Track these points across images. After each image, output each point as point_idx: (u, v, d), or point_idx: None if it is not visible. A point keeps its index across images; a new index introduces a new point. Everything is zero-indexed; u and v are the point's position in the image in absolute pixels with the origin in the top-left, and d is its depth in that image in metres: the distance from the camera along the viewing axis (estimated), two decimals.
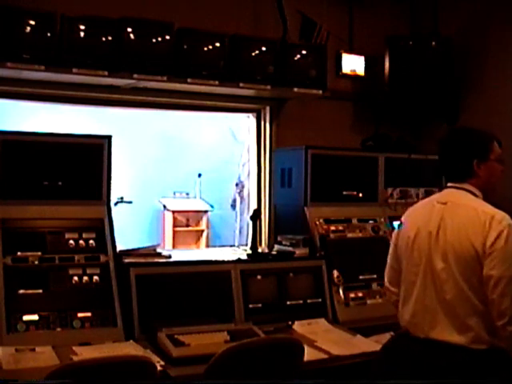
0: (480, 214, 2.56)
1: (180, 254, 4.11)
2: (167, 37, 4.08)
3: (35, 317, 3.22)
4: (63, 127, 4.51)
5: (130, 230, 4.81)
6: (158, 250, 3.93)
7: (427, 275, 2.64)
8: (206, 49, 4.22)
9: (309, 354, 3.08)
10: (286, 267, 3.92)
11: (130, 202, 4.98)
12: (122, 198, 4.86)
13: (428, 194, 4.25)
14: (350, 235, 4.30)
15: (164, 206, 5.27)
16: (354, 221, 4.36)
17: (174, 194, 5.38)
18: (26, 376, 2.79)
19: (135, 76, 4.01)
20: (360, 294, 4.07)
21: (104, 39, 3.89)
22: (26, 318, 3.19)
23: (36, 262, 3.35)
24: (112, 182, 3.71)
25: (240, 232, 5.31)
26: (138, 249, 3.84)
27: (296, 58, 4.57)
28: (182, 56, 4.13)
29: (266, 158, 4.97)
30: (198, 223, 5.30)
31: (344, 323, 3.85)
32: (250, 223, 4.31)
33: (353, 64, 5.24)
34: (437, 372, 2.54)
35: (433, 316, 2.61)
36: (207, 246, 5.22)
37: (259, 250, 4.20)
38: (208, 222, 5.30)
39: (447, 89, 5.03)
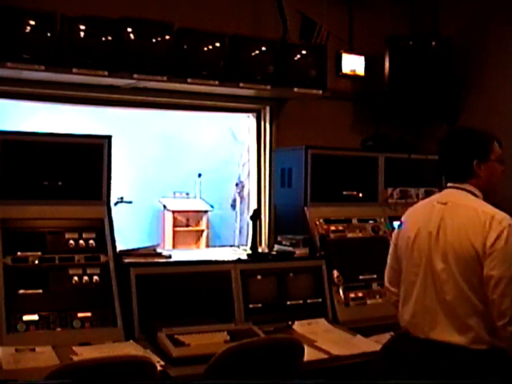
0: (480, 215, 2.56)
1: (180, 254, 4.11)
2: (167, 37, 4.07)
3: (35, 317, 3.21)
4: (63, 127, 4.50)
5: (129, 230, 4.82)
6: (158, 250, 3.93)
7: (427, 275, 2.63)
8: (205, 49, 4.22)
9: (309, 354, 3.08)
10: (286, 267, 3.92)
11: (130, 202, 4.99)
12: (121, 198, 4.86)
13: (428, 194, 4.26)
14: (349, 235, 4.30)
15: (164, 206, 5.26)
16: (354, 221, 4.36)
17: (174, 194, 5.37)
18: (26, 376, 2.79)
19: (135, 76, 4.01)
20: (360, 294, 4.07)
21: (104, 39, 3.89)
22: (25, 317, 3.19)
23: (36, 262, 3.35)
24: (112, 181, 3.70)
25: (240, 232, 5.31)
26: (138, 249, 3.84)
27: (296, 58, 4.57)
28: (181, 56, 4.13)
29: (265, 157, 4.97)
30: (198, 223, 5.30)
31: (344, 323, 3.85)
32: (250, 223, 4.31)
33: (353, 64, 5.23)
34: (437, 372, 2.54)
35: (433, 316, 2.61)
36: (207, 246, 5.21)
37: (259, 250, 4.20)
38: (208, 222, 5.30)
39: (447, 89, 5.02)
